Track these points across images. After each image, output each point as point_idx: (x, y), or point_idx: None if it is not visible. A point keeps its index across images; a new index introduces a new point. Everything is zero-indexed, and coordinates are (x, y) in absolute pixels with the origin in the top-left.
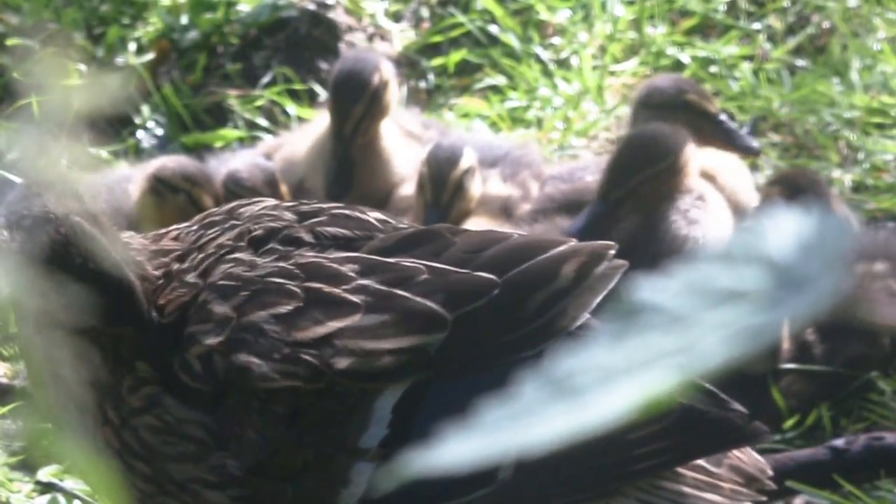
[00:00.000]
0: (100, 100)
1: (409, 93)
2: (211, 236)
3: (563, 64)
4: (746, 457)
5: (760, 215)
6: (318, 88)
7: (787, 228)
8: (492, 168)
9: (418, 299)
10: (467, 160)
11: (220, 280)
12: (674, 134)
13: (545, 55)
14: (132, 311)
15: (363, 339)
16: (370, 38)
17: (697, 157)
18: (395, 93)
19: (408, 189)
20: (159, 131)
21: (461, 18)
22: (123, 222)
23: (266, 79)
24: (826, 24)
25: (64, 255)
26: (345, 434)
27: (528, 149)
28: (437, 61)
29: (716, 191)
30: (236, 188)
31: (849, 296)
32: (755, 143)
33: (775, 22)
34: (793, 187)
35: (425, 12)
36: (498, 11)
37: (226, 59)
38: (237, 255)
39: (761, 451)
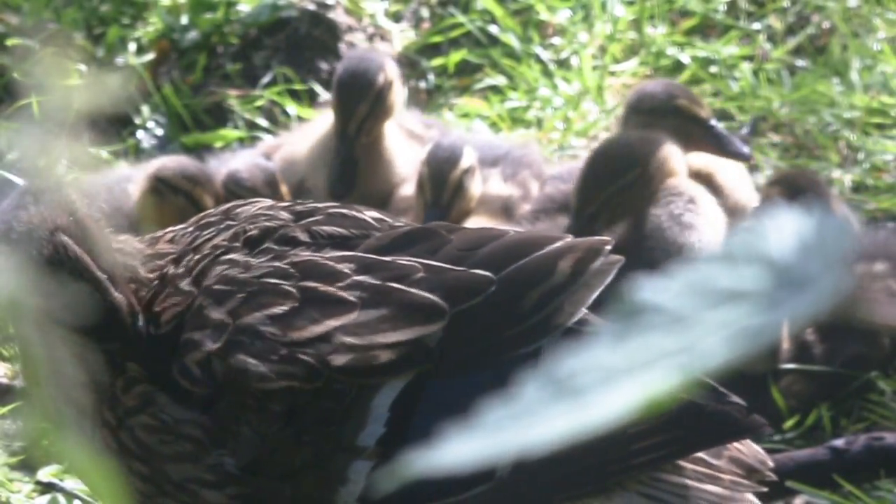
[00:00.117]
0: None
1: (409, 93)
2: (206, 237)
3: (563, 64)
4: (746, 448)
5: (760, 215)
6: (318, 88)
7: (787, 229)
8: (492, 168)
9: (415, 291)
10: (467, 160)
11: (215, 284)
12: (641, 143)
13: (545, 55)
14: (117, 329)
15: (361, 335)
16: (370, 38)
17: (679, 159)
18: (400, 93)
19: (408, 189)
20: (159, 131)
21: (461, 18)
22: (123, 222)
23: (266, 79)
24: (826, 24)
25: (52, 273)
26: (342, 432)
27: (528, 149)
28: (437, 61)
29: (707, 192)
30: (236, 188)
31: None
32: (746, 148)
33: (775, 22)
34: (793, 188)
35: (425, 12)
36: (498, 11)
37: (226, 59)
38: (232, 255)
39: None
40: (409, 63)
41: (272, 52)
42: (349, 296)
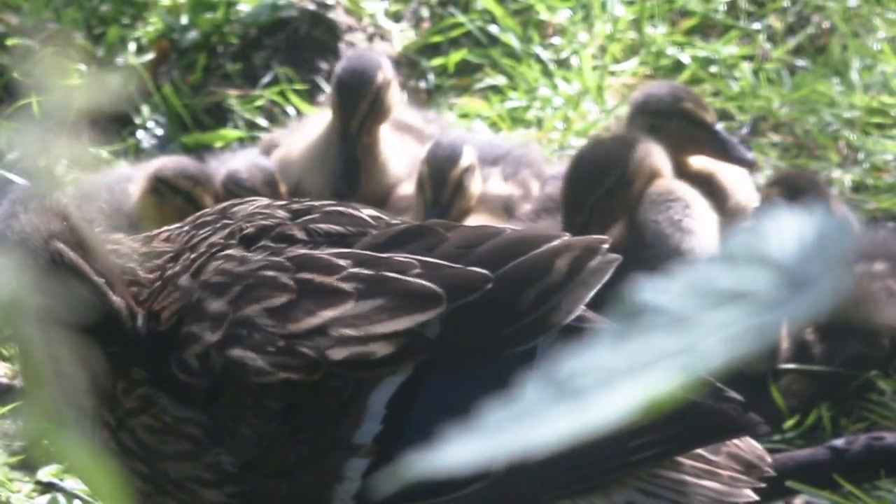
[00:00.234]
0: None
1: (409, 93)
2: (203, 236)
3: (563, 64)
4: (745, 444)
5: (760, 216)
6: (322, 85)
7: (787, 229)
8: (493, 167)
9: (411, 279)
10: (467, 158)
11: (213, 277)
12: (617, 145)
13: (545, 55)
14: (117, 332)
15: (359, 326)
16: (370, 38)
17: (661, 157)
18: (398, 93)
19: (406, 189)
20: (159, 131)
21: (461, 18)
22: (123, 222)
23: (266, 79)
24: (826, 24)
25: (50, 278)
26: (339, 430)
27: (528, 148)
28: (437, 61)
29: (700, 195)
30: (236, 188)
31: (849, 296)
32: (750, 154)
33: (775, 22)
34: (792, 188)
35: (425, 12)
36: (498, 11)
37: (226, 59)
38: (228, 251)
39: None
40: (409, 63)
41: (272, 52)
42: (346, 286)
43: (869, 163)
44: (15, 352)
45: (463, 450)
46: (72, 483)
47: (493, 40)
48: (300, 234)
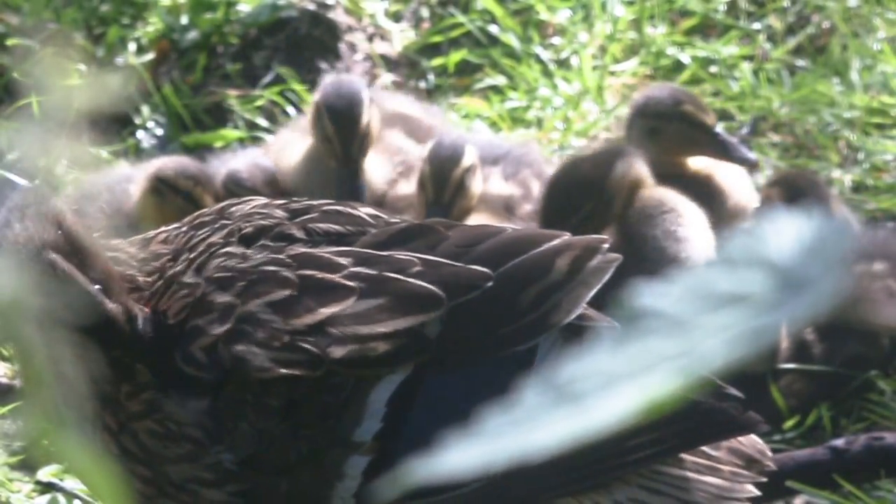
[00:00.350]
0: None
1: (409, 93)
2: (201, 236)
3: (563, 64)
4: (746, 439)
5: (760, 217)
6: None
7: (786, 231)
8: (493, 167)
9: (413, 280)
10: (469, 158)
11: (216, 273)
12: (594, 167)
13: (545, 55)
14: (115, 337)
15: (359, 323)
16: (370, 38)
17: (642, 167)
18: (378, 114)
19: (406, 188)
20: (159, 131)
21: (461, 18)
22: (124, 222)
23: (266, 79)
24: (826, 24)
25: (43, 286)
26: (339, 428)
27: (529, 148)
28: (437, 61)
29: (689, 200)
30: (236, 188)
31: (848, 296)
32: (752, 155)
33: (775, 22)
34: (792, 188)
35: (425, 12)
36: (498, 11)
37: (226, 59)
38: (228, 249)
39: None
40: (409, 63)
41: (272, 52)
42: (348, 283)
43: (869, 163)
44: (14, 353)
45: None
46: (72, 483)
47: (493, 40)
48: (299, 234)
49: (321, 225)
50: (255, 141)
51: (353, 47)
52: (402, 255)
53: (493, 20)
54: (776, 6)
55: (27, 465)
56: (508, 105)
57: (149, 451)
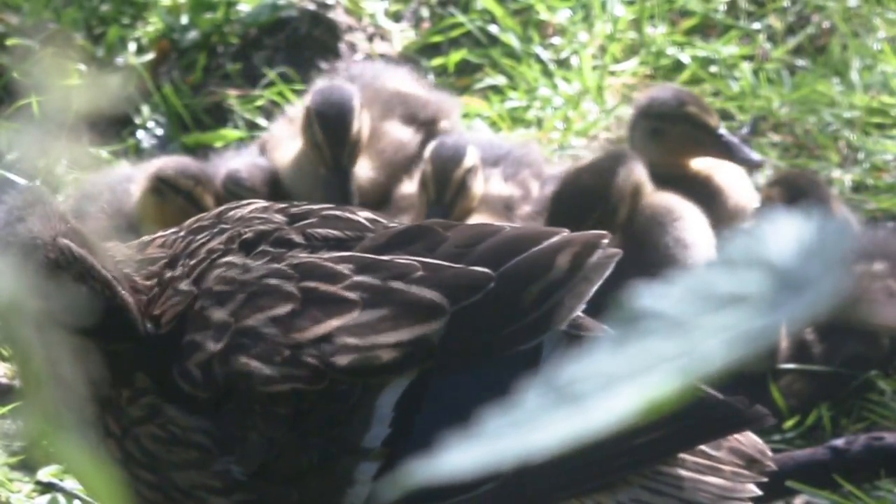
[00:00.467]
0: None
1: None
2: (200, 241)
3: (563, 64)
4: (746, 439)
5: (760, 217)
6: None
7: (786, 231)
8: (493, 167)
9: (415, 290)
10: (471, 159)
11: (215, 285)
12: (596, 178)
13: (545, 55)
14: (128, 328)
15: (363, 335)
16: (370, 38)
17: (642, 174)
18: (367, 119)
19: (408, 188)
20: (159, 131)
21: (461, 18)
22: (124, 222)
23: (266, 79)
24: (826, 24)
25: (55, 279)
26: (348, 434)
27: (528, 148)
28: (437, 61)
29: (691, 203)
30: (236, 188)
31: (848, 296)
32: (756, 155)
33: (775, 22)
34: (792, 189)
35: (425, 12)
36: (498, 11)
37: (226, 59)
38: (229, 258)
39: None
40: (409, 63)
41: (272, 52)
42: (350, 295)
43: (869, 163)
44: (13, 354)
45: (465, 459)
46: (72, 483)
47: (493, 40)
48: (298, 239)
49: (320, 230)
50: (255, 141)
51: (353, 47)
52: (402, 259)
53: (493, 20)
54: (776, 6)
55: (27, 465)
56: (508, 105)
57: (153, 456)
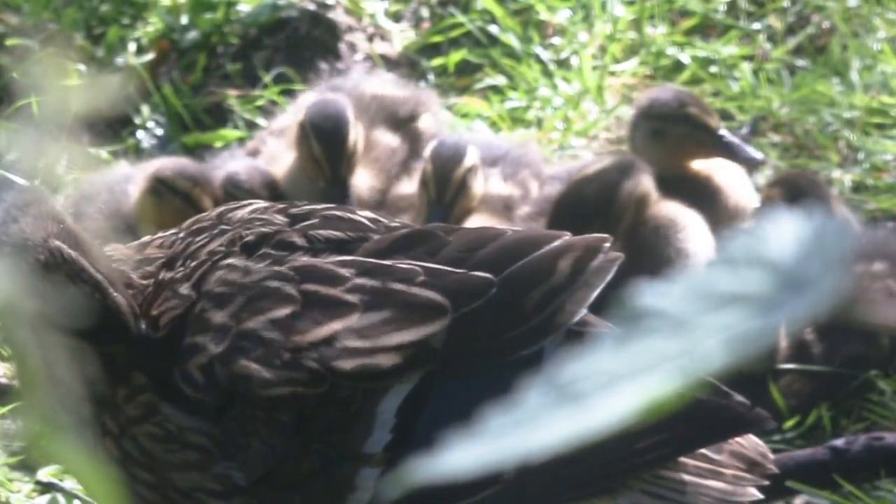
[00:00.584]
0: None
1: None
2: (200, 243)
3: (563, 64)
4: (747, 442)
5: (760, 217)
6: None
7: (786, 231)
8: (492, 167)
9: (416, 290)
10: (471, 158)
11: (216, 288)
12: (600, 190)
13: (545, 55)
14: (120, 330)
15: (364, 338)
16: (370, 38)
17: (648, 183)
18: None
19: (407, 188)
20: (159, 131)
21: (461, 18)
22: (122, 223)
23: (266, 79)
24: (826, 24)
25: (46, 280)
26: (349, 440)
27: (528, 148)
28: (437, 61)
29: (692, 210)
30: (234, 190)
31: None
32: (758, 154)
33: (775, 22)
34: (793, 188)
35: (425, 12)
36: (498, 11)
37: (226, 59)
38: (230, 260)
39: None
40: (409, 63)
41: (272, 52)
42: (351, 298)
43: (869, 163)
44: (12, 354)
45: (467, 457)
46: (71, 483)
47: (493, 40)
48: (300, 241)
49: (322, 231)
50: (245, 145)
51: (353, 47)
52: (404, 264)
53: (493, 20)
54: (776, 6)
55: (27, 465)
56: (508, 105)
57: (151, 455)
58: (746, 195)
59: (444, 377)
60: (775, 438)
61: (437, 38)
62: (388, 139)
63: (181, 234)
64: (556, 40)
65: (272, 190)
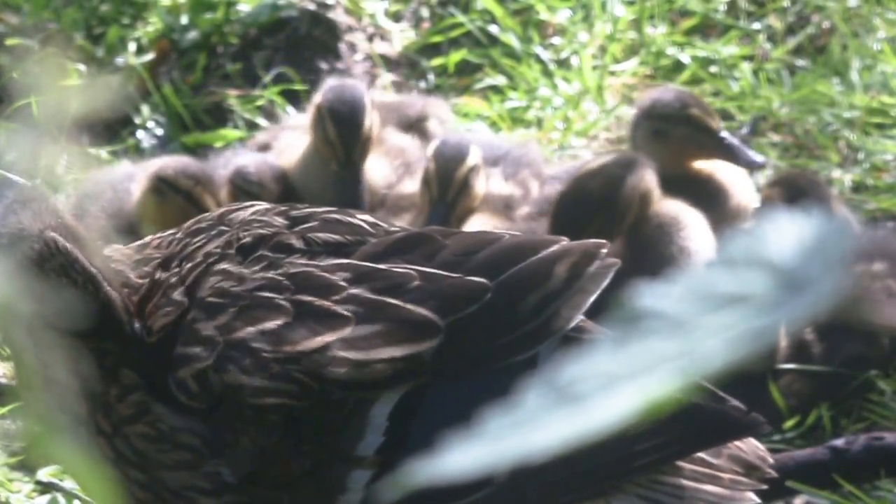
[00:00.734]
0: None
1: (409, 93)
2: (197, 244)
3: (563, 64)
4: (746, 446)
5: (760, 217)
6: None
7: (787, 231)
8: (493, 167)
9: (410, 307)
10: (473, 158)
11: (208, 296)
12: (603, 186)
13: (545, 55)
14: (111, 325)
15: (355, 350)
16: (370, 38)
17: (652, 181)
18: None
19: (408, 187)
20: (159, 131)
21: (461, 18)
22: (124, 221)
23: (266, 79)
24: (826, 24)
25: (39, 272)
26: (341, 442)
27: (527, 148)
28: (437, 61)
29: (694, 209)
30: (243, 183)
31: (848, 296)
32: (758, 157)
33: (775, 22)
34: (793, 188)
35: (425, 12)
36: (498, 11)
37: (226, 59)
38: (224, 265)
39: None
40: (409, 63)
41: (272, 52)
42: (343, 310)
43: (869, 163)
44: (10, 354)
45: (465, 458)
46: (71, 483)
47: (493, 40)
48: (298, 244)
49: (320, 234)
50: (250, 141)
51: (353, 47)
52: (400, 268)
53: (493, 20)
54: (776, 6)
55: (27, 465)
56: (508, 105)
57: (143, 455)
58: (747, 195)
59: (438, 381)
60: (775, 438)
61: (437, 38)
62: (399, 138)
63: (179, 234)
64: (556, 40)
65: (282, 183)
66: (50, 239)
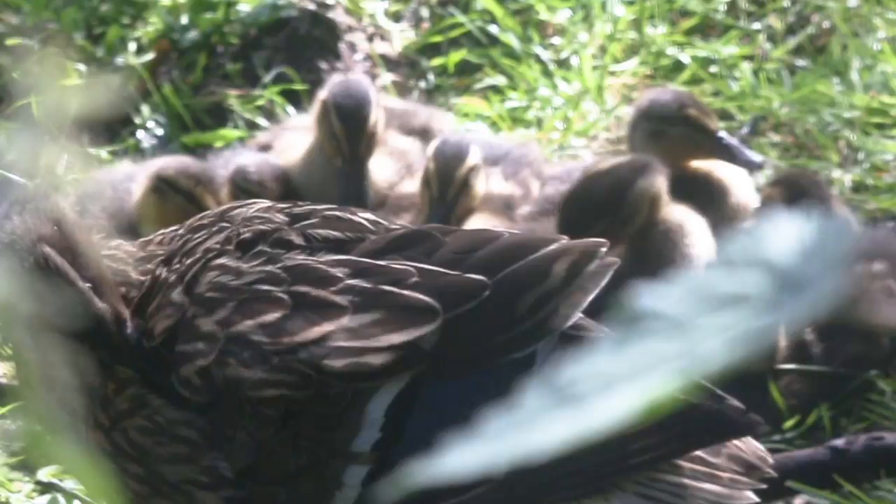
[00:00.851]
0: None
1: (410, 93)
2: (198, 240)
3: (563, 64)
4: (746, 445)
5: (760, 217)
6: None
7: (786, 231)
8: (493, 167)
9: (408, 293)
10: (474, 157)
11: (206, 292)
12: (611, 188)
13: (545, 55)
14: (103, 338)
15: (354, 339)
16: (370, 38)
17: (661, 185)
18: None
19: (409, 186)
20: (159, 131)
21: (461, 18)
22: (125, 221)
23: (266, 79)
24: (826, 24)
25: (34, 281)
26: (338, 438)
27: (528, 148)
28: (437, 61)
29: (695, 213)
30: (244, 183)
31: (848, 296)
32: (757, 157)
33: (775, 22)
34: (793, 188)
35: (425, 12)
36: (498, 11)
37: (226, 59)
38: (223, 260)
39: None
40: (409, 63)
41: (272, 52)
42: (341, 300)
43: (869, 163)
44: (10, 354)
45: (462, 456)
46: (72, 483)
47: (493, 40)
48: (298, 240)
49: (321, 231)
50: (251, 141)
51: (353, 47)
52: (398, 264)
53: (493, 20)
54: (776, 6)
55: (27, 465)
56: (508, 105)
57: (140, 448)
58: (747, 194)
59: (435, 378)
60: (775, 438)
61: (437, 38)
62: (401, 140)
63: (181, 231)
64: (556, 40)
65: (283, 183)
66: (42, 254)
